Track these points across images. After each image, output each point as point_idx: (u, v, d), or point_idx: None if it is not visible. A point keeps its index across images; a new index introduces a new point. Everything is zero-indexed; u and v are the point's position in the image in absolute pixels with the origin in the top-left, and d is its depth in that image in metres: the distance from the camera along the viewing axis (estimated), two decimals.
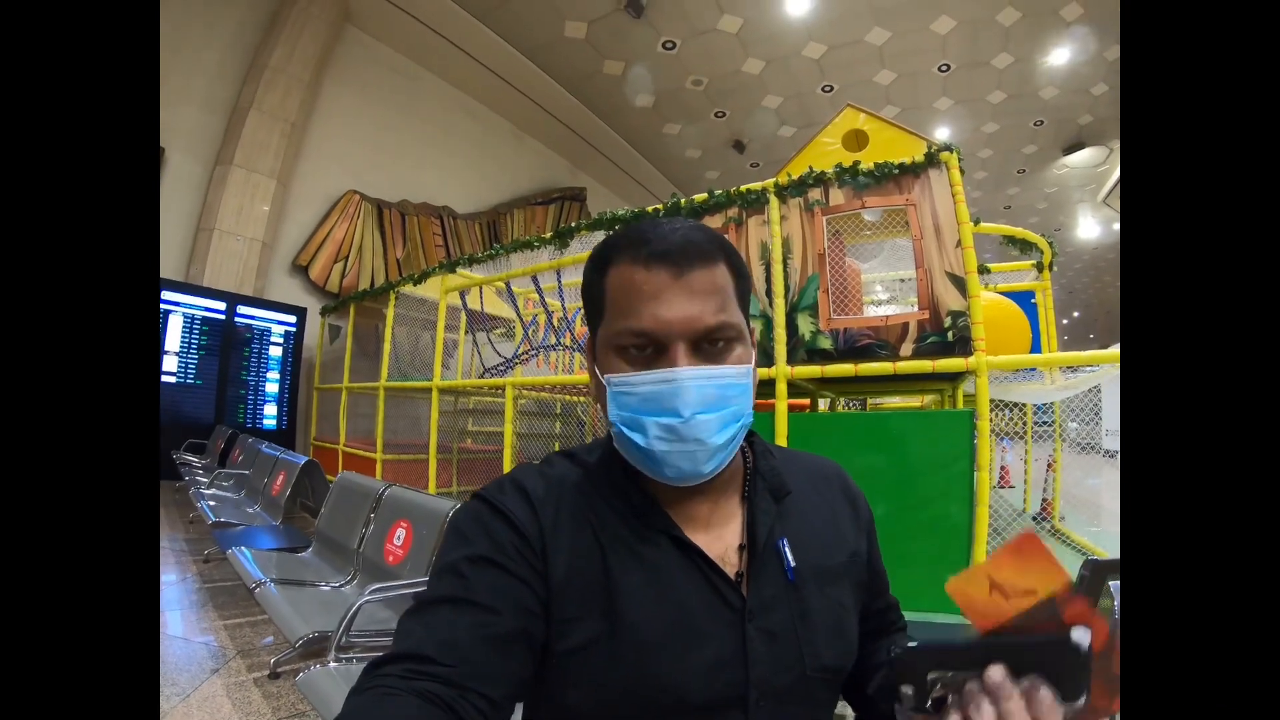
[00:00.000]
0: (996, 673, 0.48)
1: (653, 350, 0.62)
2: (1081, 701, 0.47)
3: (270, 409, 7.72)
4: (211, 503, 4.20)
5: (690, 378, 0.60)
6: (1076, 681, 0.47)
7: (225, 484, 4.87)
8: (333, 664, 1.86)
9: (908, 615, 3.08)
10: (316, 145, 8.73)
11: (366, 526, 2.84)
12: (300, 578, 2.74)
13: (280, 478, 4.21)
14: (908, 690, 0.52)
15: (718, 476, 0.67)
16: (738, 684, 0.60)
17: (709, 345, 0.62)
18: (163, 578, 3.63)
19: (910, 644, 0.55)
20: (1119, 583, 1.26)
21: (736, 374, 0.63)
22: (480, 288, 5.37)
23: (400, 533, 2.65)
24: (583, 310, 0.72)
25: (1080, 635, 0.47)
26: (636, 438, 0.62)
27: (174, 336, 6.96)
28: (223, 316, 7.26)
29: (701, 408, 0.60)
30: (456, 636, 0.54)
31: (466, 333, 5.87)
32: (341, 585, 2.75)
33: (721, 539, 0.67)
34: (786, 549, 0.67)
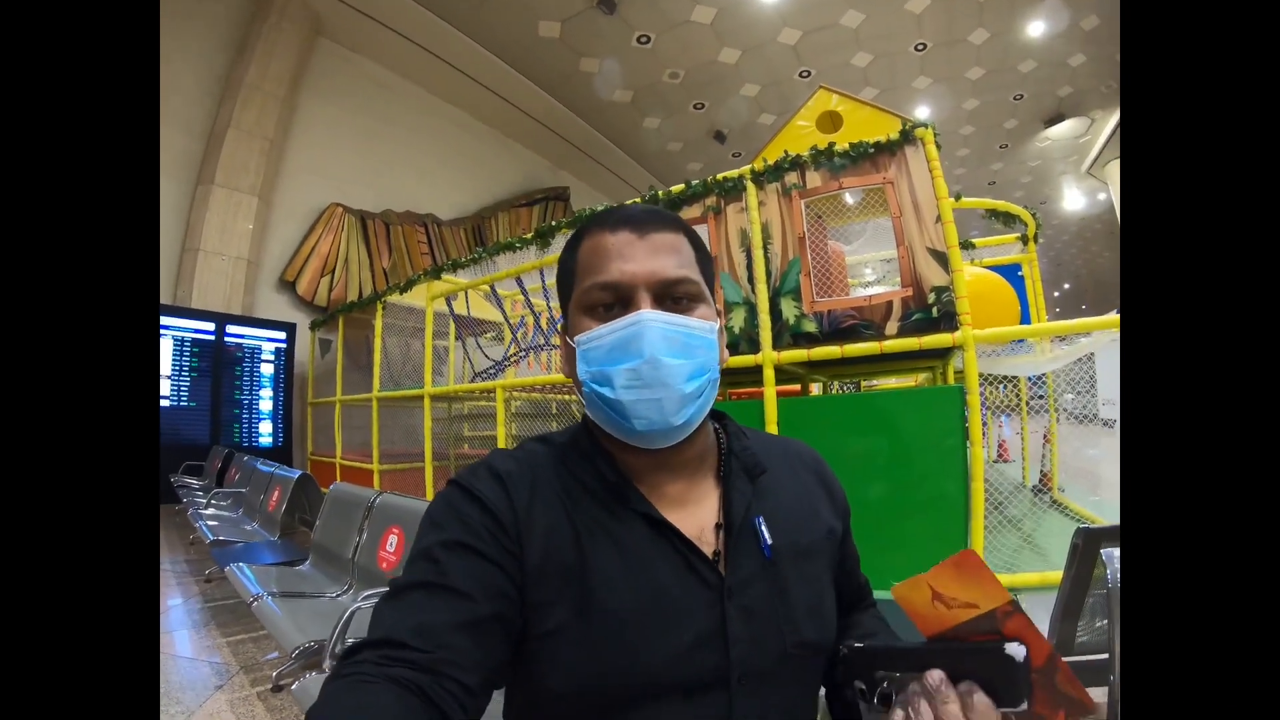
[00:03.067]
0: (935, 676, 0.51)
1: (619, 306, 0.64)
2: (1024, 707, 0.49)
3: (265, 426, 7.70)
4: (211, 522, 4.21)
5: (653, 319, 0.62)
6: (1015, 689, 0.49)
7: (223, 503, 4.88)
8: (329, 672, 1.87)
9: None
10: (297, 160, 8.70)
11: (360, 535, 2.84)
12: (299, 590, 2.75)
13: (276, 493, 4.21)
14: (860, 685, 0.56)
15: (690, 451, 0.68)
16: (719, 664, 0.60)
17: (672, 301, 0.65)
18: (166, 600, 3.63)
19: (857, 645, 0.60)
20: (1114, 551, 1.24)
21: (701, 327, 0.65)
22: (466, 292, 5.36)
23: (393, 539, 2.65)
24: (557, 294, 0.74)
25: (1015, 649, 0.49)
26: (605, 390, 0.63)
27: (165, 359, 6.94)
28: (212, 337, 7.24)
29: (666, 350, 0.62)
30: (431, 622, 0.54)
31: (456, 338, 5.86)
32: (339, 595, 2.75)
33: (697, 518, 0.67)
34: (763, 527, 0.66)
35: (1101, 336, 3.38)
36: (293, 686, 1.79)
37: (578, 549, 0.61)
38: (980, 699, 0.49)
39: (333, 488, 3.32)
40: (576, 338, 0.66)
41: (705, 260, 0.70)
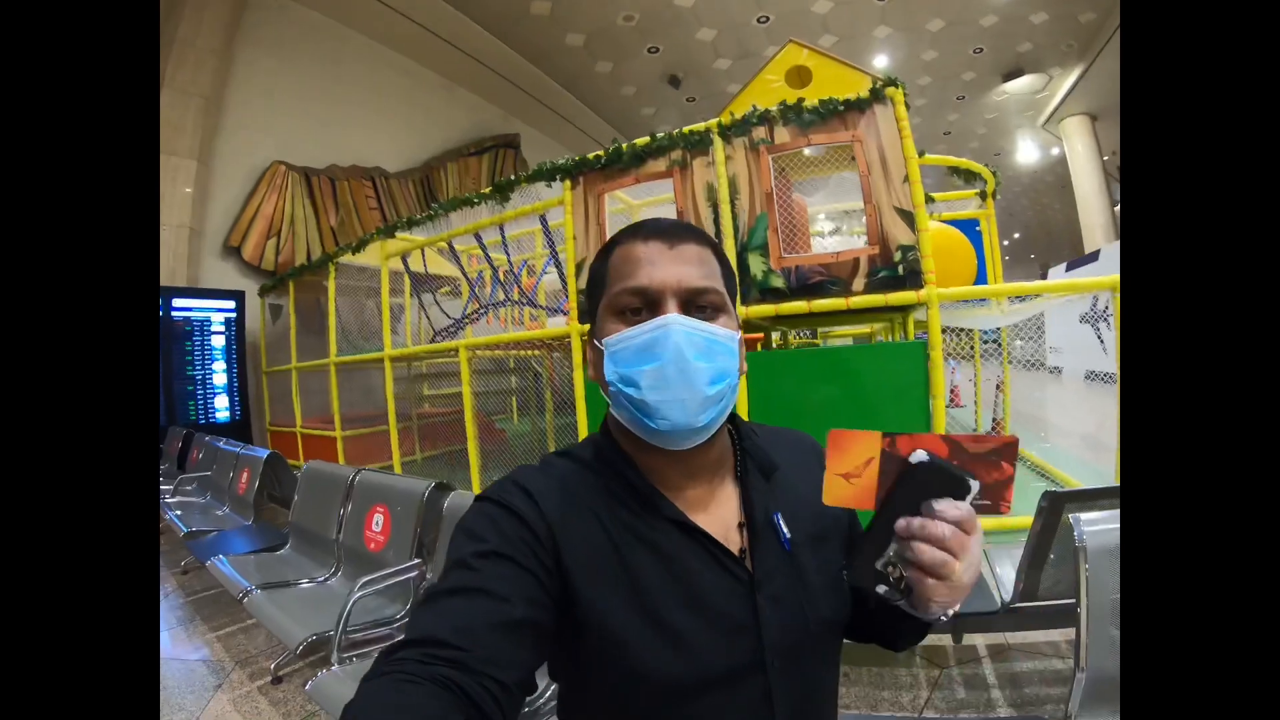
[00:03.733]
0: (900, 523, 0.56)
1: (647, 310, 0.67)
2: (975, 487, 0.55)
3: (221, 401, 7.41)
4: (179, 511, 4.08)
5: (679, 323, 0.65)
6: (954, 480, 0.55)
7: (189, 488, 4.71)
8: (337, 666, 1.88)
9: None
10: (236, 118, 8.12)
11: (342, 515, 2.81)
12: (283, 578, 2.71)
13: (245, 475, 4.10)
14: (882, 589, 0.59)
15: (709, 455, 0.72)
16: (755, 649, 0.65)
17: (697, 309, 0.68)
18: None
19: (842, 569, 0.68)
20: (1080, 515, 1.36)
21: (724, 335, 0.68)
22: (423, 249, 5.19)
23: (378, 518, 2.64)
24: (586, 300, 0.77)
25: (917, 455, 0.56)
26: (631, 391, 0.66)
27: None
28: (159, 312, 6.85)
29: (692, 353, 0.65)
30: (470, 623, 0.56)
31: (412, 295, 5.72)
32: (326, 579, 2.74)
33: (721, 518, 0.71)
34: (781, 522, 0.72)
35: (1052, 299, 3.48)
36: (306, 686, 1.79)
37: (618, 555, 0.65)
38: (940, 505, 0.55)
39: (307, 467, 3.25)
40: (605, 340, 0.69)
41: (729, 275, 0.74)
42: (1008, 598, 1.82)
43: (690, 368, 0.65)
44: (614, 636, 0.62)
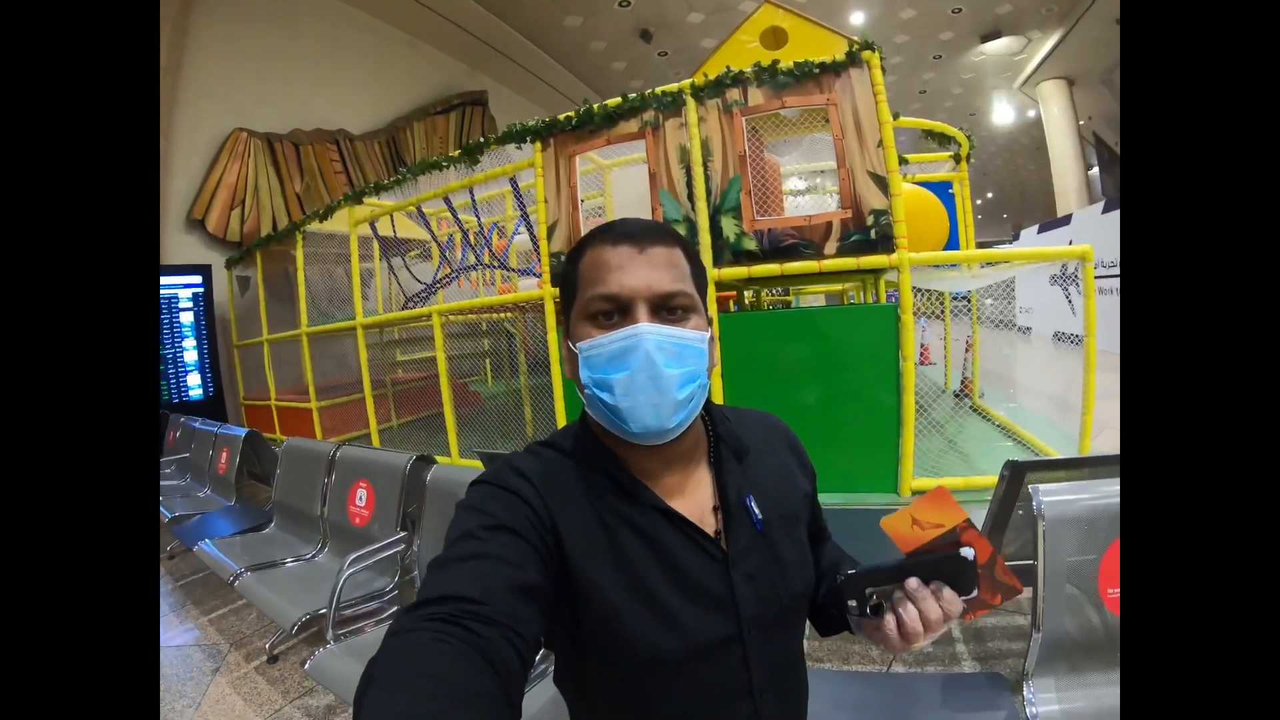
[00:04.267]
0: (913, 581, 0.67)
1: (618, 315, 0.70)
2: (974, 594, 0.68)
3: (194, 379, 7.27)
4: (161, 496, 4.04)
5: (650, 331, 0.68)
6: (968, 581, 0.67)
7: (168, 471, 4.66)
8: (333, 644, 1.91)
9: (843, 496, 3.24)
10: (193, 86, 7.74)
11: (325, 492, 2.82)
12: (271, 558, 2.73)
13: (224, 454, 4.07)
14: (853, 603, 0.71)
15: (684, 444, 0.75)
16: (733, 622, 0.71)
17: (668, 312, 0.70)
18: None
19: (850, 573, 0.73)
20: (1039, 486, 1.43)
21: (694, 338, 0.71)
22: (392, 214, 5.09)
23: (361, 493, 2.65)
24: (561, 301, 0.79)
25: (967, 551, 0.67)
26: (605, 396, 0.69)
27: None
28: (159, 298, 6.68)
29: (662, 360, 0.67)
30: (490, 583, 0.58)
31: (381, 260, 5.62)
32: (313, 556, 2.76)
33: (697, 502, 0.76)
34: (753, 504, 0.77)
35: (1022, 265, 3.53)
36: (305, 665, 1.82)
37: (609, 535, 0.70)
38: (947, 591, 0.67)
39: (287, 444, 3.24)
40: (579, 344, 0.71)
41: (699, 273, 0.76)
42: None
43: (661, 375, 0.67)
44: (609, 609, 0.67)
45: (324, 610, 2.00)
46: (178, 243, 7.62)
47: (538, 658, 0.75)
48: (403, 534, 2.33)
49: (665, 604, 0.68)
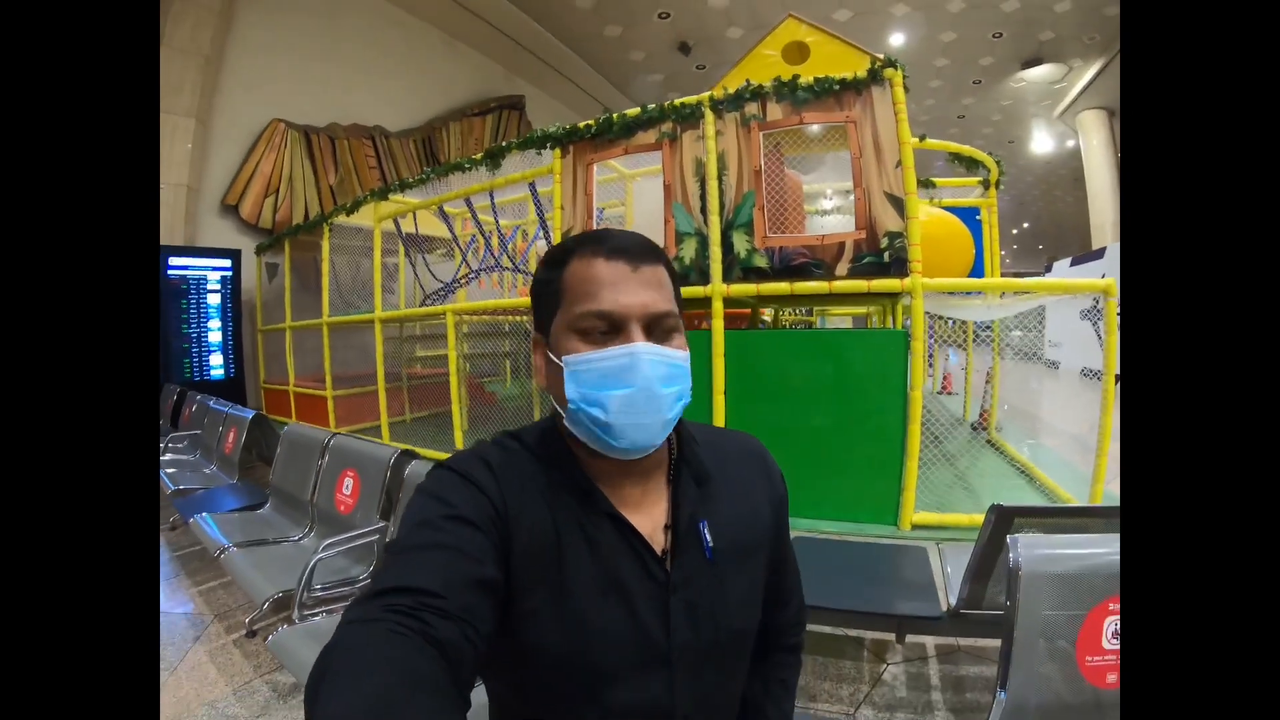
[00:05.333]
0: None
1: (609, 331, 0.68)
2: None
3: (216, 359, 7.42)
4: (169, 470, 4.17)
5: (648, 353, 0.67)
6: None
7: (180, 445, 4.79)
8: (299, 623, 1.94)
9: (840, 525, 3.12)
10: (235, 76, 7.98)
11: (316, 478, 2.87)
12: (261, 536, 2.78)
13: (231, 434, 4.16)
14: None
15: (650, 459, 0.74)
16: (662, 648, 0.69)
17: (659, 331, 0.70)
18: None
19: None
20: (1018, 537, 1.34)
21: (681, 357, 0.71)
22: (415, 211, 5.17)
23: (348, 482, 2.69)
24: (533, 306, 0.77)
25: None
26: (596, 412, 0.67)
27: None
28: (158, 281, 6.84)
29: (658, 381, 0.68)
30: (450, 576, 0.58)
31: (405, 256, 5.70)
32: (300, 539, 2.80)
33: (652, 517, 0.74)
34: (706, 531, 0.74)
35: (1050, 298, 3.42)
36: (267, 640, 1.85)
37: (556, 540, 0.68)
38: None
39: (287, 429, 3.31)
40: (565, 358, 0.69)
41: (678, 289, 0.76)
42: (954, 603, 1.81)
43: (658, 395, 0.68)
44: (538, 615, 0.66)
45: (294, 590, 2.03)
46: (210, 226, 7.82)
47: None
48: (380, 524, 2.36)
49: (598, 622, 0.67)
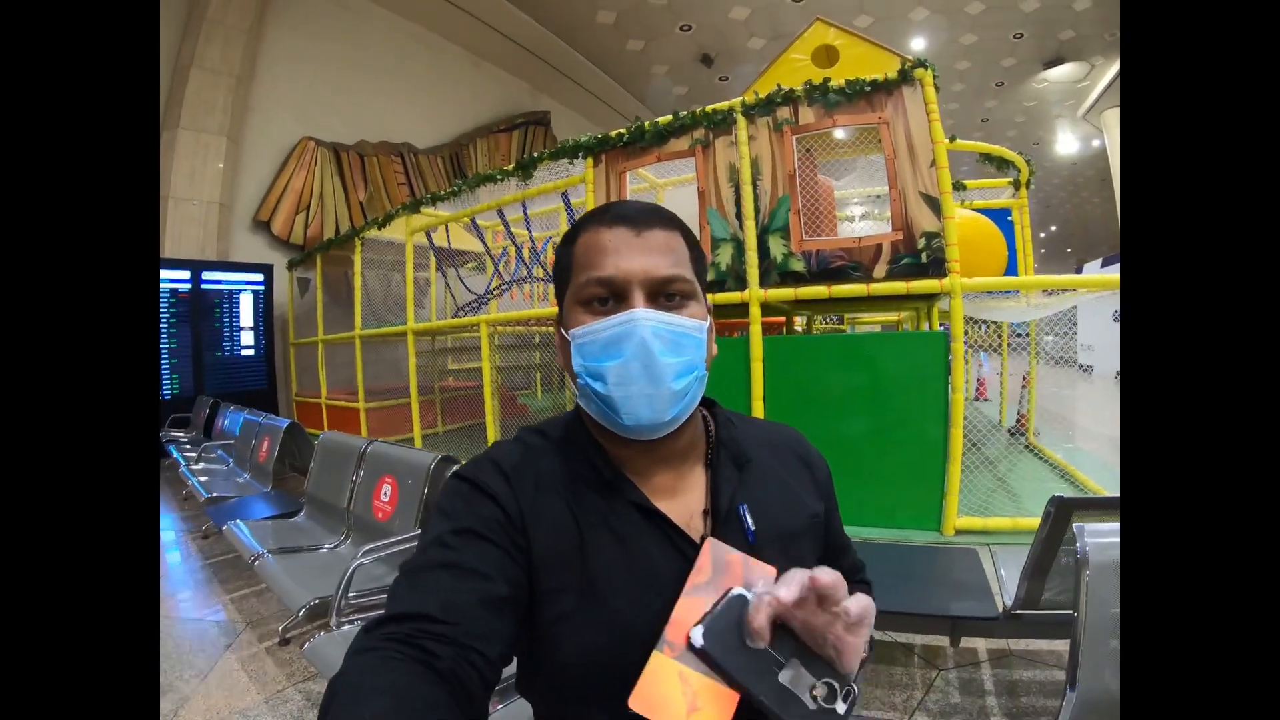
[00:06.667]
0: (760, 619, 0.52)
1: (613, 301, 0.66)
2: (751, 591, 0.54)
3: (249, 371, 7.59)
4: (202, 478, 4.20)
5: (646, 318, 0.64)
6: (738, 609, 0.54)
7: (213, 455, 4.85)
8: (335, 629, 1.92)
9: (881, 531, 3.09)
10: (265, 95, 8.24)
11: (353, 485, 2.86)
12: (296, 544, 2.77)
13: (265, 443, 4.19)
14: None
15: (679, 442, 0.70)
16: None
17: (665, 298, 0.66)
18: (166, 559, 3.66)
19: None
20: (1085, 525, 1.29)
21: (691, 326, 0.67)
22: (446, 225, 5.24)
23: (386, 489, 2.68)
24: (554, 288, 0.75)
25: (694, 635, 0.53)
26: (598, 385, 0.65)
27: None
28: (189, 285, 7.05)
29: (658, 348, 0.64)
30: (456, 599, 0.56)
31: (437, 270, 5.78)
32: (336, 546, 2.79)
33: (686, 505, 0.70)
34: (747, 514, 0.70)
35: (1088, 294, 3.37)
36: (304, 647, 1.84)
37: (579, 538, 0.65)
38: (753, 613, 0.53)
39: (323, 437, 3.31)
40: (571, 331, 0.68)
41: (699, 258, 0.72)
42: (1010, 604, 1.76)
43: (656, 364, 0.64)
44: (568, 619, 0.63)
45: (332, 597, 2.03)
46: (243, 242, 8.03)
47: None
48: (418, 531, 2.34)
49: (627, 610, 0.63)
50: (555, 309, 0.74)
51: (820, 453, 0.84)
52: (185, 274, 7.04)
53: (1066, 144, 17.10)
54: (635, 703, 0.51)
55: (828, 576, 0.51)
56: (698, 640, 0.51)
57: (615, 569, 0.64)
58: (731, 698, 0.51)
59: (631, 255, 0.65)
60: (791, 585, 0.52)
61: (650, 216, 0.68)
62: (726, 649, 0.51)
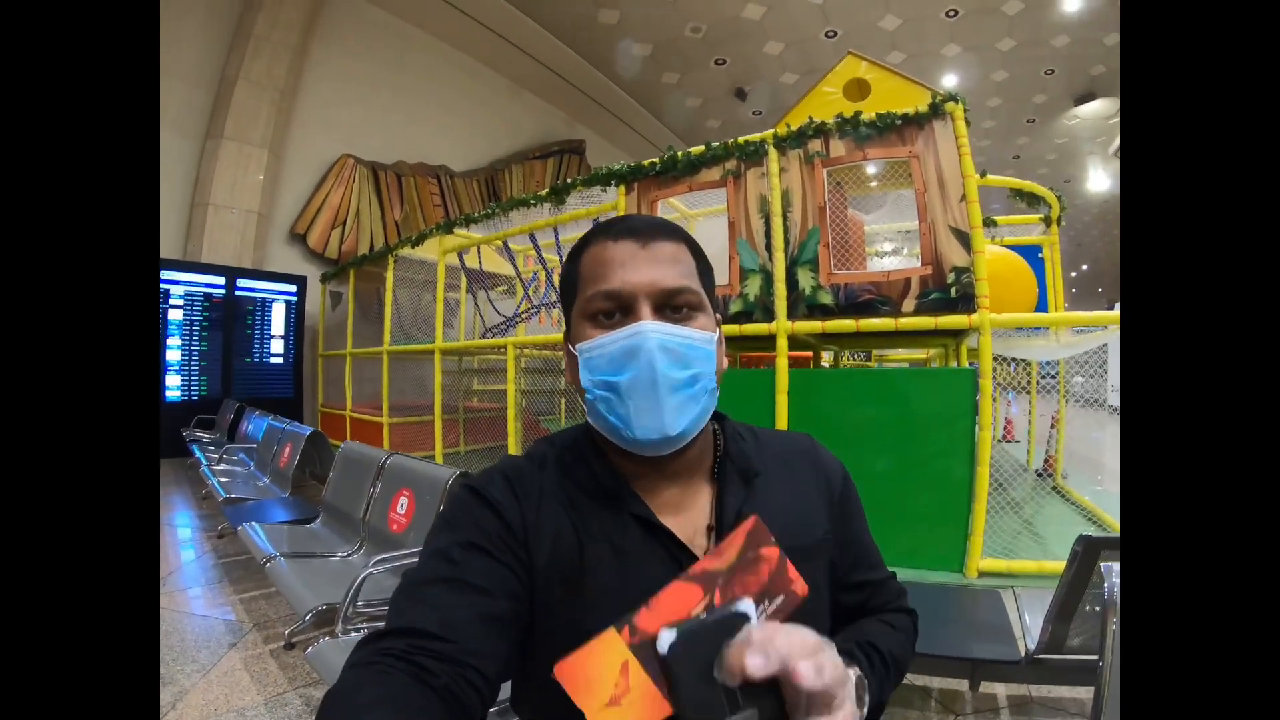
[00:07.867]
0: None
1: (620, 314, 0.65)
2: (751, 607, 0.45)
3: (277, 379, 7.78)
4: (222, 479, 4.25)
5: (654, 330, 0.63)
6: (728, 626, 0.44)
7: (234, 458, 4.92)
8: (341, 636, 1.91)
9: (904, 573, 3.05)
10: (308, 111, 8.55)
11: (370, 496, 2.87)
12: (309, 550, 2.78)
13: (287, 449, 4.24)
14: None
15: (686, 456, 0.69)
16: None
17: (672, 310, 0.65)
18: (179, 556, 3.71)
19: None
20: (1114, 564, 1.26)
21: (700, 337, 0.65)
22: (479, 247, 5.33)
23: (403, 501, 2.68)
24: (561, 302, 0.74)
25: (664, 636, 0.44)
26: (606, 400, 0.64)
27: (176, 314, 6.99)
28: (223, 291, 7.26)
29: (665, 361, 0.63)
30: (454, 616, 0.56)
31: (467, 291, 5.88)
32: (349, 555, 2.79)
33: (692, 520, 0.69)
34: None
35: (1116, 330, 3.31)
36: (307, 651, 1.83)
37: (579, 552, 0.64)
38: (737, 652, 0.40)
39: (344, 447, 3.33)
40: (578, 345, 0.67)
41: (706, 271, 0.71)
42: (1032, 647, 1.71)
43: (665, 377, 0.62)
44: (563, 632, 0.61)
45: (340, 605, 2.02)
46: (278, 252, 8.28)
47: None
48: None
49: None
50: None
51: (835, 456, 0.80)
52: (220, 279, 7.27)
53: (1098, 181, 16.92)
54: (560, 671, 0.45)
55: (826, 677, 0.39)
56: (663, 646, 0.44)
57: (612, 583, 0.63)
58: (662, 710, 0.44)
59: (638, 268, 0.65)
60: (793, 660, 0.39)
61: (656, 229, 0.68)
62: (690, 671, 0.43)
